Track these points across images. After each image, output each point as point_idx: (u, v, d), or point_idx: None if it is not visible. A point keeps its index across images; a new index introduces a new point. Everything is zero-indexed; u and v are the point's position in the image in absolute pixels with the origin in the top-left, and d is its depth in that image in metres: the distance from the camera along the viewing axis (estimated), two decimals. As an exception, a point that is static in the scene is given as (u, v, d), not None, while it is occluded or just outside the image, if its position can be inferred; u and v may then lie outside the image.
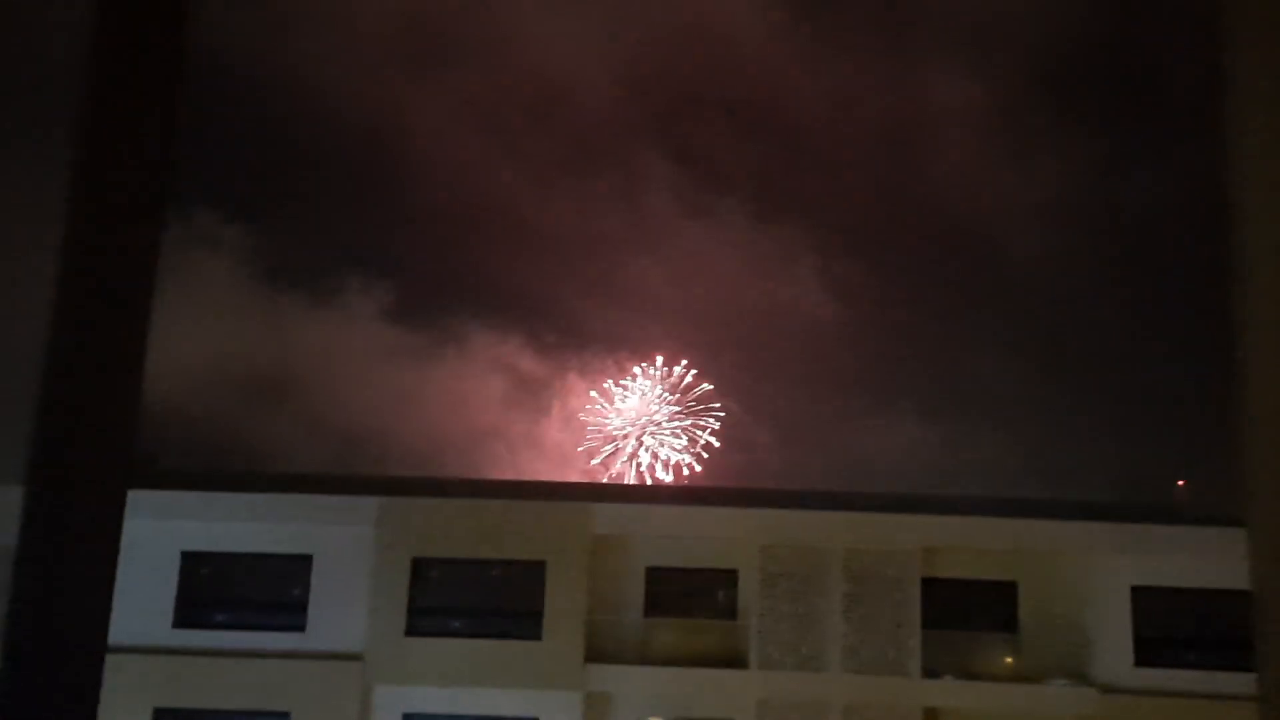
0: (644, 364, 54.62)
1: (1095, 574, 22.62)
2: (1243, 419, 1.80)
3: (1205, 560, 21.74)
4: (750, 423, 59.33)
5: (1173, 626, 22.41)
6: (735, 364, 61.55)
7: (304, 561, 22.98)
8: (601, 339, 64.44)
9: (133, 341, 1.67)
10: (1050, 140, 60.93)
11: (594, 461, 54.45)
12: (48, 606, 1.51)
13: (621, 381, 54.61)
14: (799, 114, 60.48)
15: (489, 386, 57.16)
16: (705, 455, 53.75)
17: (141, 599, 21.41)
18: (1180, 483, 27.16)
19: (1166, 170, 59.14)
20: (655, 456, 53.62)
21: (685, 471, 53.83)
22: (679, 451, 53.55)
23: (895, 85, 60.73)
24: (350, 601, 22.55)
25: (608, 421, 54.46)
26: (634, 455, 54.00)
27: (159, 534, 21.94)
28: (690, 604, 23.28)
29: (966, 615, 23.01)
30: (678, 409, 53.35)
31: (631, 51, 60.23)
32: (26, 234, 1.64)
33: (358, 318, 56.94)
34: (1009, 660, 22.87)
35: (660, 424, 53.55)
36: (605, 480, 51.85)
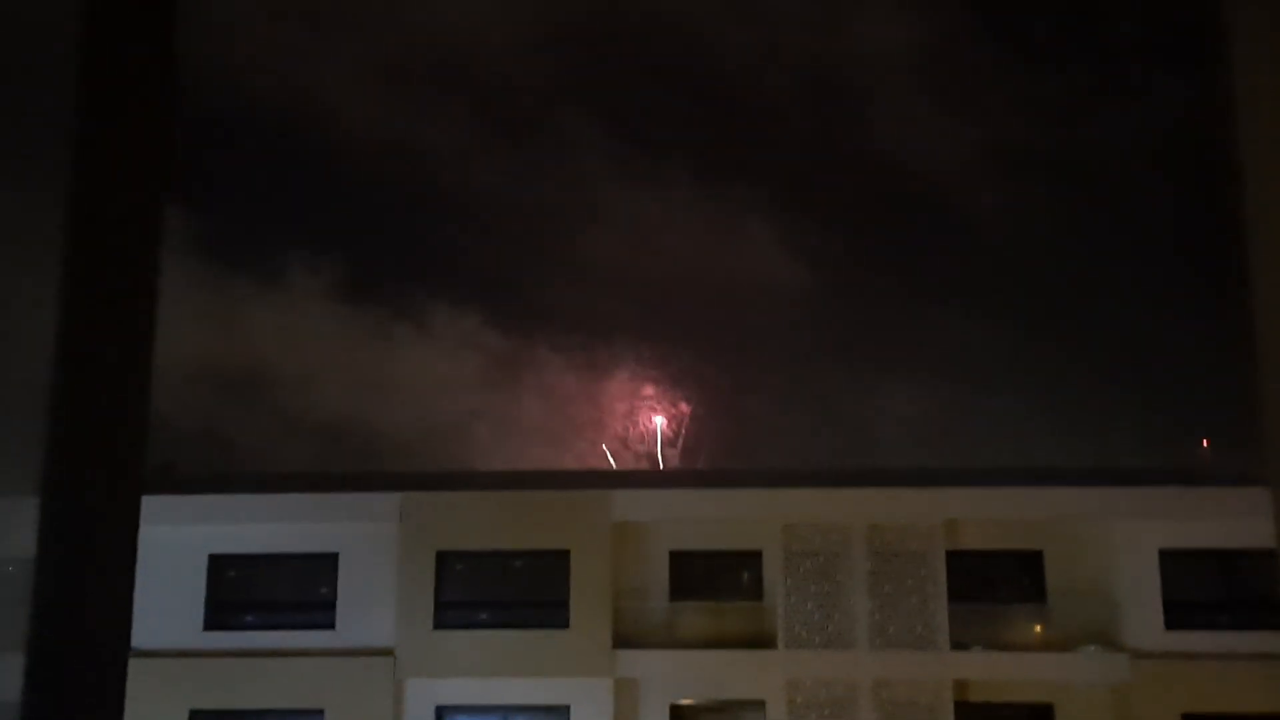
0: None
1: (1121, 539, 22.53)
2: (1261, 374, 1.76)
3: (1233, 521, 21.63)
4: (737, 398, 58.30)
5: (1202, 589, 22.33)
6: (706, 335, 60.11)
7: (330, 560, 23.12)
8: (563, 313, 63.17)
9: (140, 346, 1.68)
10: (997, 80, 58.55)
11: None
12: (70, 614, 1.52)
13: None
14: (723, 65, 58.40)
15: (458, 366, 56.30)
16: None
17: (171, 603, 21.58)
18: (1204, 443, 27.03)
19: (1138, 108, 56.50)
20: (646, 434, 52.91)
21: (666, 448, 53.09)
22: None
23: (822, 27, 58.43)
24: (378, 597, 22.68)
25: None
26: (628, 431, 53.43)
27: (184, 538, 22.09)
28: (715, 586, 23.31)
29: (993, 586, 22.96)
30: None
31: (544, 9, 57.90)
32: (29, 246, 1.65)
33: (307, 297, 56.17)
34: (1038, 629, 22.83)
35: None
36: (613, 462, 51.61)
